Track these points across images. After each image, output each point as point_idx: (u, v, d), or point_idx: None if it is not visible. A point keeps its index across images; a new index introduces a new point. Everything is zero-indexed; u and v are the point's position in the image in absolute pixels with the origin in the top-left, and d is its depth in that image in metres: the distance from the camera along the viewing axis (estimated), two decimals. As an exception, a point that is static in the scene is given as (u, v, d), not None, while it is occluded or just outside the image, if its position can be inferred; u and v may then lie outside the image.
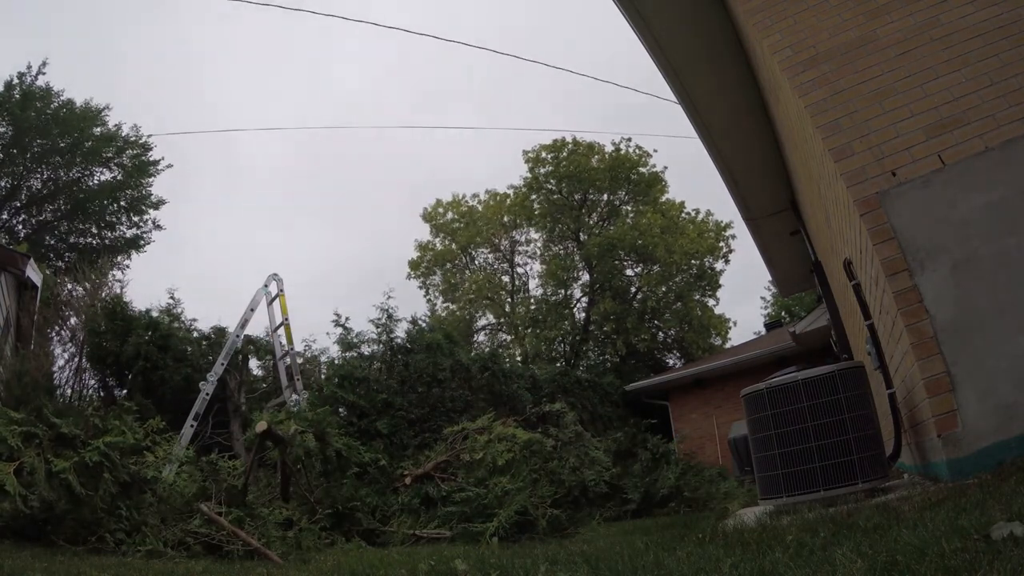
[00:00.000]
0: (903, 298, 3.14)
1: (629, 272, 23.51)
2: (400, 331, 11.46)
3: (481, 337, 24.93)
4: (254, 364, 10.64)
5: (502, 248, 25.77)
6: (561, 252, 24.53)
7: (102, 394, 9.29)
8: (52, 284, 10.19)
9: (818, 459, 3.34)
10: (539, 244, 25.41)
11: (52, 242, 20.71)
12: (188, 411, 7.97)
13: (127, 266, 19.40)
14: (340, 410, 9.67)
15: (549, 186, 23.96)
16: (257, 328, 10.34)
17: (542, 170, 23.94)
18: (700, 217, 24.62)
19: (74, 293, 10.27)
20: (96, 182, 20.85)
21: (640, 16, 5.32)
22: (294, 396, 8.81)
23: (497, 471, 6.12)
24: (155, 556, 4.03)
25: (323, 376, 10.99)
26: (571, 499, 6.57)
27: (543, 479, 6.20)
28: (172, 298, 10.02)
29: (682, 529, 3.87)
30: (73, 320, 9.70)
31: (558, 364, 21.19)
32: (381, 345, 11.17)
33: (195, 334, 9.95)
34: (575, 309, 24.02)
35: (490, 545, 4.65)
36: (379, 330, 11.21)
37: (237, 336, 8.89)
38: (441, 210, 26.60)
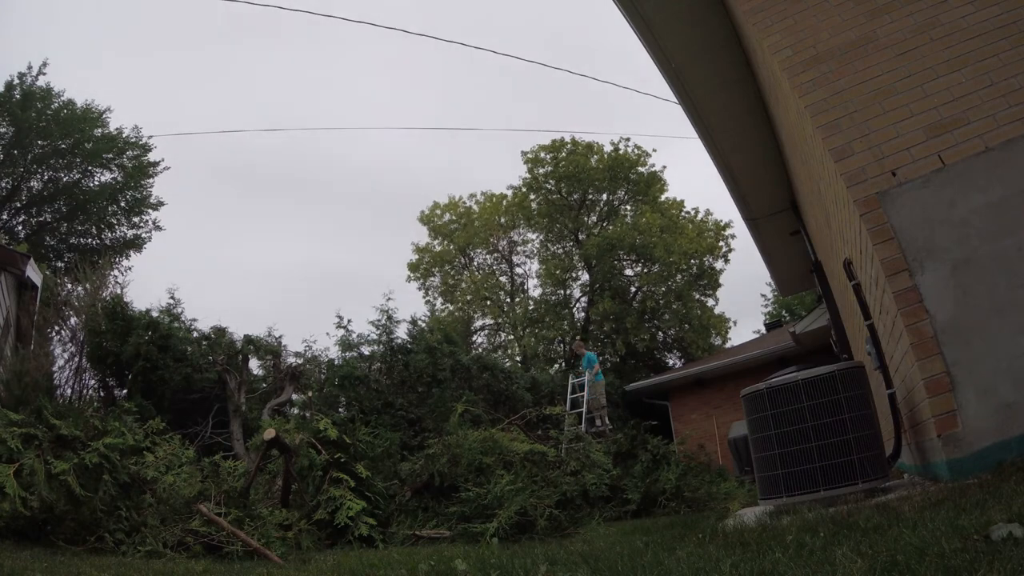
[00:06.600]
0: (903, 298, 3.14)
1: (628, 272, 23.54)
2: (401, 332, 11.52)
3: (480, 338, 24.95)
4: (254, 364, 10.63)
5: (500, 249, 25.78)
6: (560, 252, 24.53)
7: (102, 394, 9.26)
8: (52, 284, 10.17)
9: (818, 459, 3.33)
10: (537, 244, 25.45)
11: (52, 243, 20.72)
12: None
13: (128, 269, 19.42)
14: (340, 410, 9.71)
15: (548, 186, 23.98)
16: (260, 328, 10.39)
17: (541, 170, 23.96)
18: (700, 216, 24.64)
19: (74, 293, 10.24)
20: (96, 183, 20.87)
21: (640, 16, 5.33)
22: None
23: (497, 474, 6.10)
24: (155, 556, 4.03)
25: (323, 376, 11.00)
26: (571, 500, 6.55)
27: (545, 487, 6.17)
28: (172, 298, 10.00)
29: (682, 529, 3.86)
30: (73, 320, 9.68)
31: (558, 364, 21.19)
32: (381, 345, 11.19)
33: (195, 334, 9.93)
34: (574, 309, 24.03)
35: (490, 545, 4.64)
36: (379, 331, 11.26)
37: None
38: (439, 212, 26.61)
